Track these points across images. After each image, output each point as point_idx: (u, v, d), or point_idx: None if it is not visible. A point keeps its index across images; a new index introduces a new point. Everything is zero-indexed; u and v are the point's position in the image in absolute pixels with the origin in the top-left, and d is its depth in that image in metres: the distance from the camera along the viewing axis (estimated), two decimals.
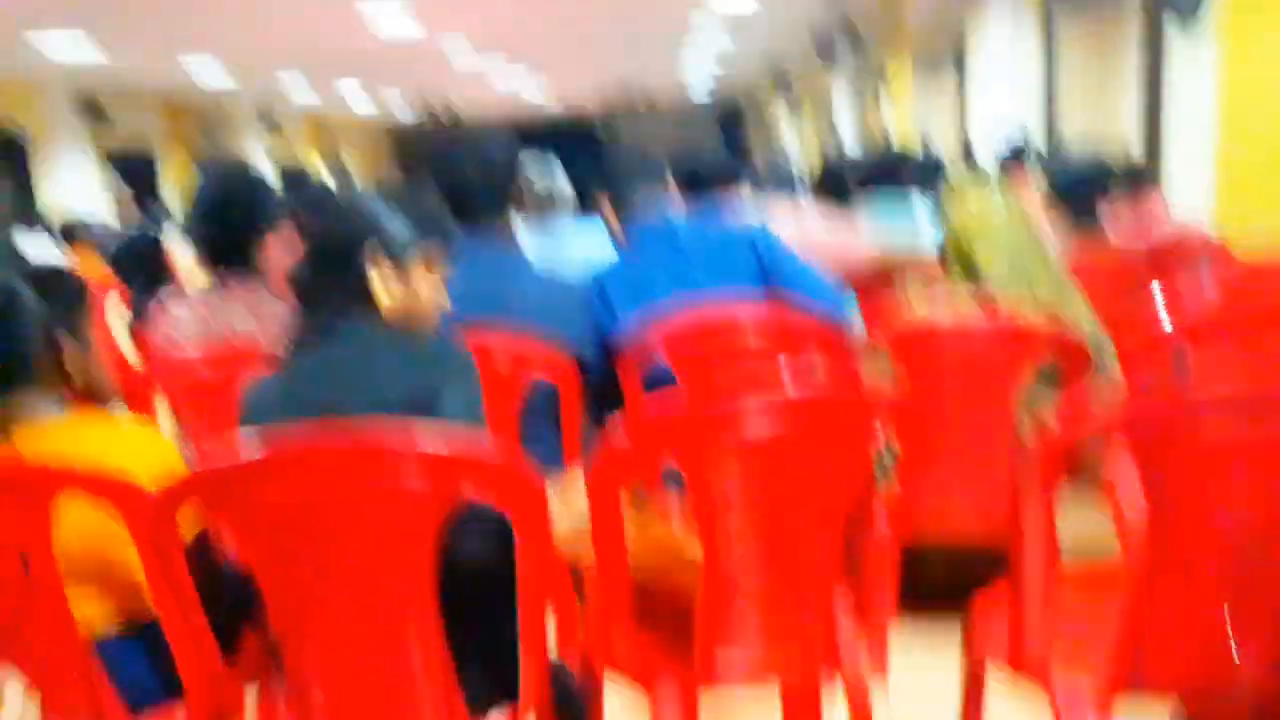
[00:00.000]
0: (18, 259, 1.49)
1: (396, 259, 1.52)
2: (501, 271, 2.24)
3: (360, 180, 18.83)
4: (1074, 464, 1.30)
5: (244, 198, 2.31)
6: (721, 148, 2.86)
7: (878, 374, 2.28)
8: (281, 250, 2.73)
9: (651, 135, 18.10)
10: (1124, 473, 2.15)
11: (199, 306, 2.28)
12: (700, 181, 2.68)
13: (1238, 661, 1.34)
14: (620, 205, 2.63)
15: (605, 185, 2.66)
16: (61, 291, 1.54)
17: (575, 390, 2.22)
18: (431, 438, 1.27)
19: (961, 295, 2.23)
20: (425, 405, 1.42)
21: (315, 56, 11.08)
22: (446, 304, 1.62)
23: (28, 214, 7.90)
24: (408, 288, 1.54)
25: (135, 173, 11.57)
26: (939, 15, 6.77)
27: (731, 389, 2.25)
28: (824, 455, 1.45)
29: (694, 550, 1.47)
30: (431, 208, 1.63)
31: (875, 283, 2.96)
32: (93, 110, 10.38)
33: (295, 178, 4.09)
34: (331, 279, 1.50)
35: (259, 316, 2.25)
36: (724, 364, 2.26)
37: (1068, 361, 2.09)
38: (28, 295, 1.48)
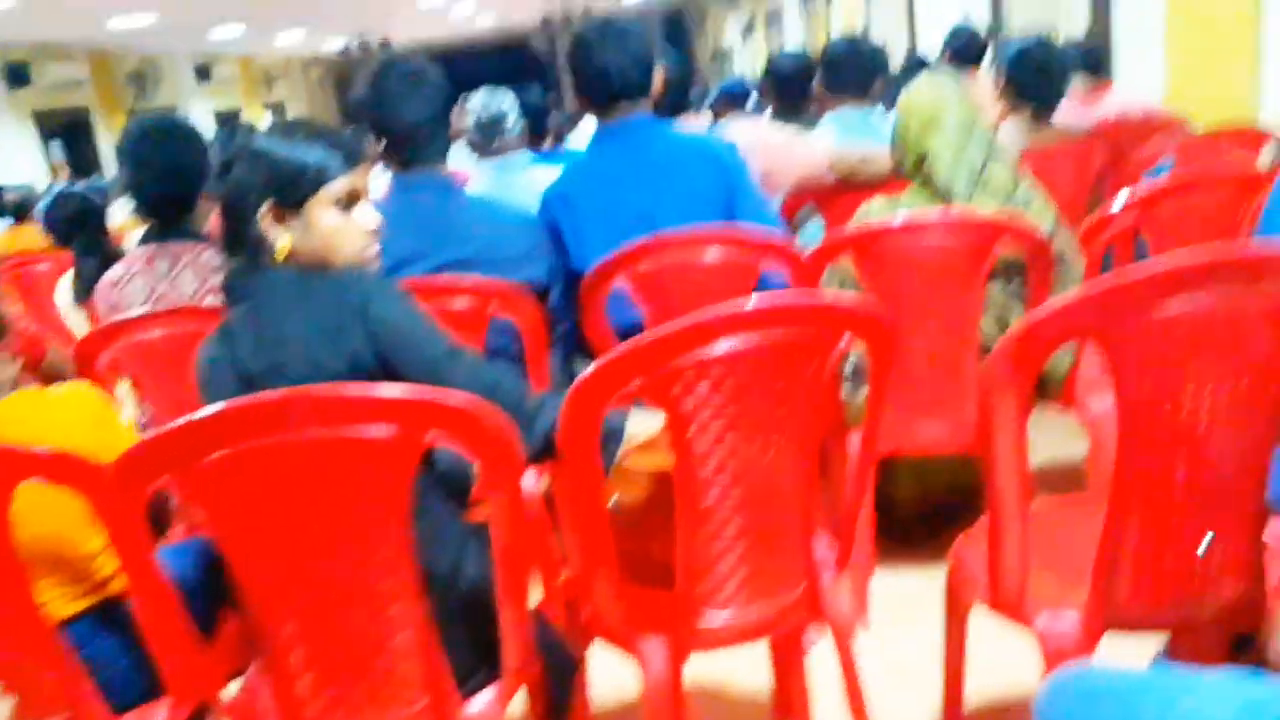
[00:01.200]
0: None
1: (289, 200, 1.41)
2: (441, 208, 2.17)
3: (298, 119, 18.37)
4: (1041, 378, 1.28)
5: (175, 155, 2.23)
6: (637, 55, 2.48)
7: (836, 284, 2.26)
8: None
9: None
10: (1092, 385, 2.17)
11: (142, 269, 2.21)
12: (604, 94, 2.29)
13: (1213, 588, 1.35)
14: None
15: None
16: None
17: (540, 327, 2.18)
18: (392, 385, 1.23)
19: (918, 195, 2.20)
20: (359, 340, 1.36)
21: (252, 6, 10.65)
22: (371, 241, 1.48)
23: None
24: (307, 231, 1.43)
25: (66, 133, 11.21)
26: None
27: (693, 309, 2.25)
28: (792, 369, 1.44)
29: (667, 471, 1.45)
30: (342, 137, 1.49)
31: (834, 193, 2.93)
32: (17, 73, 9.94)
33: (230, 125, 3.94)
34: (232, 230, 1.44)
35: (204, 278, 2.19)
36: (687, 288, 2.23)
37: (1029, 256, 2.08)
38: None
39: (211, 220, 2.42)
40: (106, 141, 11.72)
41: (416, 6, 13.02)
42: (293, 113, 18.35)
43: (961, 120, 2.14)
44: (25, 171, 9.78)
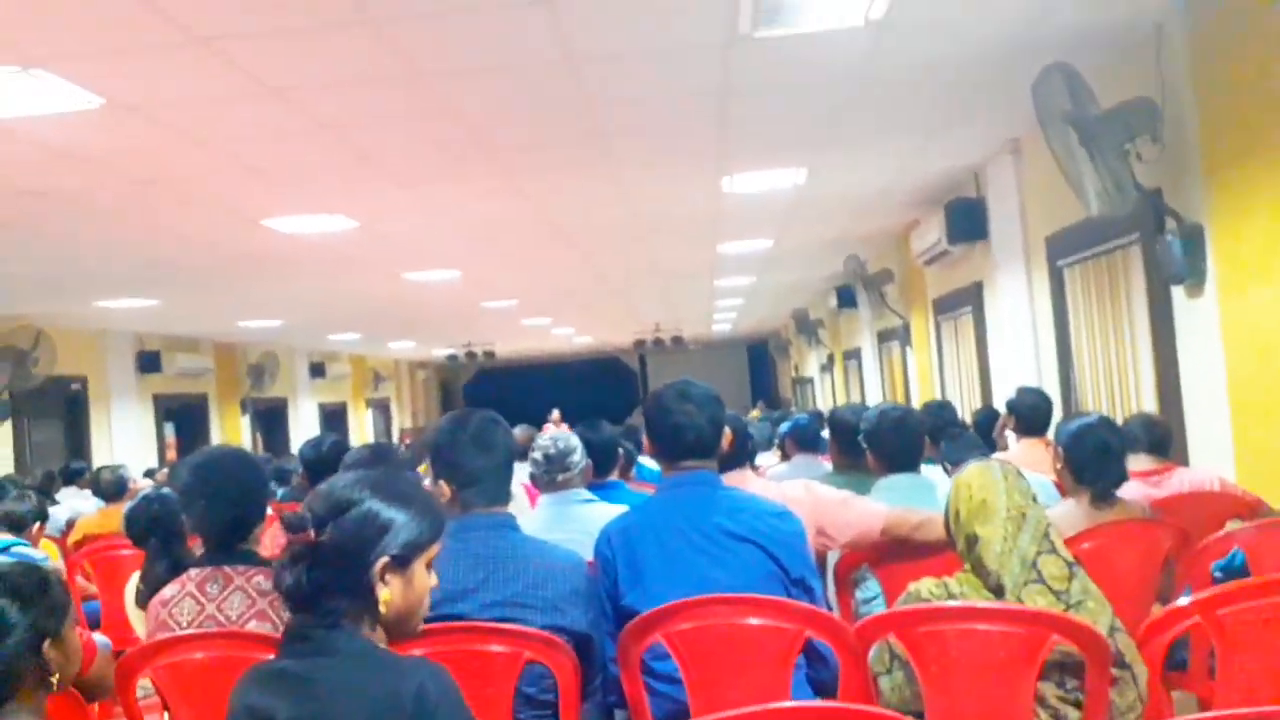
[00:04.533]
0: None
1: (402, 563, 1.54)
2: (494, 546, 2.22)
3: (401, 416, 19.38)
4: None
5: (236, 484, 2.34)
6: (710, 418, 2.42)
7: (886, 660, 2.18)
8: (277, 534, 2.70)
9: (678, 370, 18.80)
10: None
11: (194, 590, 2.27)
12: (674, 451, 2.42)
13: None
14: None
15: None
16: (44, 600, 1.53)
17: (574, 676, 2.14)
18: None
19: (967, 581, 2.16)
20: None
21: (369, 320, 11.72)
22: (435, 588, 1.63)
23: (74, 468, 8.13)
24: (407, 587, 1.55)
25: (182, 415, 11.99)
26: (954, 269, 7.03)
27: (734, 684, 2.18)
28: None
29: None
30: (434, 502, 1.64)
31: (886, 553, 2.89)
32: (149, 362, 10.90)
33: (332, 442, 4.22)
34: (331, 586, 1.50)
35: (253, 601, 2.23)
36: (729, 651, 2.18)
37: (1086, 656, 1.99)
38: (10, 613, 1.48)
39: (266, 542, 2.50)
40: (218, 425, 12.47)
41: (521, 325, 14.04)
42: (396, 409, 19.36)
43: (1012, 510, 2.13)
44: (139, 451, 10.39)
